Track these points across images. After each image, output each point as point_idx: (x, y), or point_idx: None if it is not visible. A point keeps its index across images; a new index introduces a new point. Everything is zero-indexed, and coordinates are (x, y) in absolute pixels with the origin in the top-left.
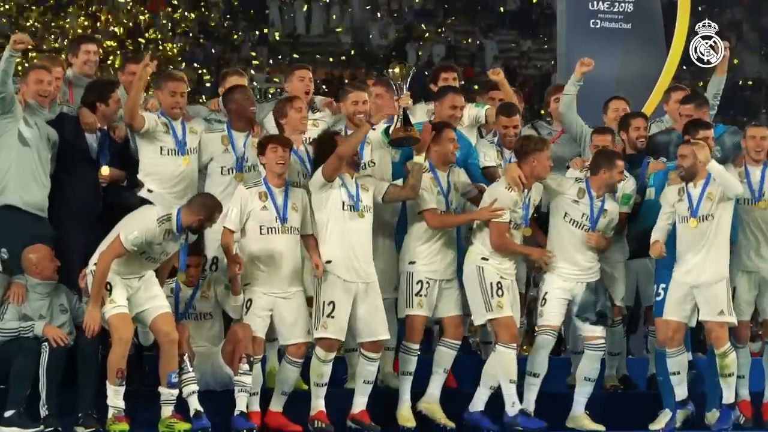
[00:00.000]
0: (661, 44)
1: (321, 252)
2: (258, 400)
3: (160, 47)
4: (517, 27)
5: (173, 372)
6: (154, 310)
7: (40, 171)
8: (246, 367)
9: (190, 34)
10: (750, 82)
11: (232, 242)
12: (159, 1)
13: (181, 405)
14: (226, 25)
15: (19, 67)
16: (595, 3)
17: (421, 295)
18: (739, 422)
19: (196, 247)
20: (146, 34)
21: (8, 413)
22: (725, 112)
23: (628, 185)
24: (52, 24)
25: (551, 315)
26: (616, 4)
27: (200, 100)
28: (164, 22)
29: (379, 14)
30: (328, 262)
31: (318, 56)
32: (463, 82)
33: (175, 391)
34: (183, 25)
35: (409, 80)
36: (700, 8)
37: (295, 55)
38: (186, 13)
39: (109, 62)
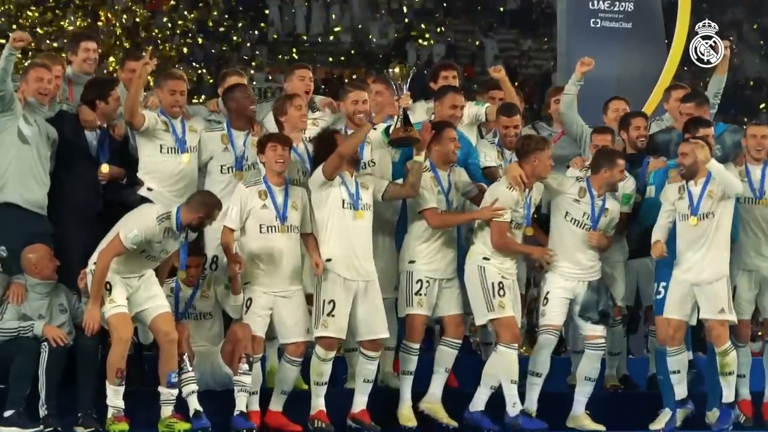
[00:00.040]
0: (662, 44)
1: (321, 251)
2: (257, 400)
3: (160, 47)
4: (517, 26)
5: (173, 372)
6: (153, 309)
7: (39, 169)
8: (245, 366)
9: (190, 34)
10: (751, 82)
11: (232, 241)
12: (159, 1)
13: (180, 405)
14: (225, 24)
15: (18, 67)
16: (595, 2)
17: (420, 294)
18: (739, 421)
19: (196, 247)
20: (143, 35)
21: (8, 413)
22: (726, 111)
23: (627, 185)
24: (52, 24)
25: (553, 314)
26: (617, 3)
27: (199, 100)
28: (164, 20)
29: (379, 14)
30: (328, 260)
31: (318, 56)
32: (462, 82)
33: (175, 391)
34: (182, 23)
35: (409, 80)
36: (703, 5)
37: (294, 55)
38: (186, 13)
39: (110, 61)
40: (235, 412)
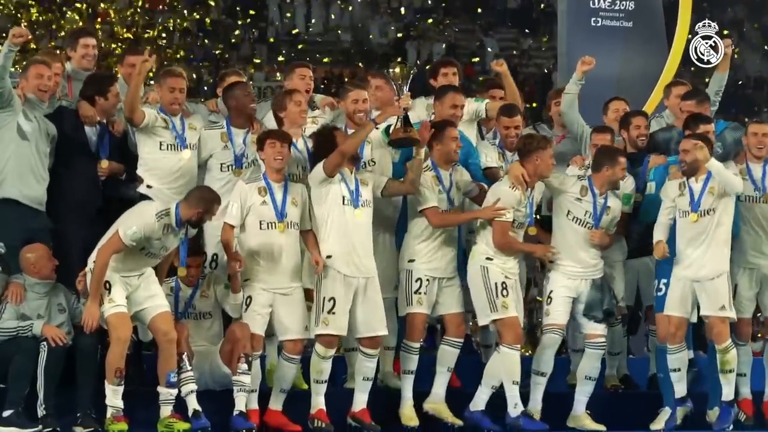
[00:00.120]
0: (663, 43)
1: (321, 248)
2: (256, 398)
3: (159, 45)
4: (517, 25)
5: (172, 371)
6: (153, 309)
7: (38, 164)
8: (245, 366)
9: (190, 33)
10: (753, 81)
11: (232, 238)
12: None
13: (180, 404)
14: (225, 23)
15: (17, 66)
16: (596, 1)
17: (420, 293)
18: (739, 420)
19: (195, 246)
20: (145, 35)
21: (6, 413)
22: (726, 110)
23: (627, 184)
24: (52, 24)
25: (557, 313)
26: (617, 2)
27: (200, 101)
28: (163, 19)
29: (379, 12)
30: (329, 257)
31: (318, 54)
32: (462, 81)
33: (174, 391)
34: (181, 22)
35: (409, 81)
36: (704, 4)
37: (293, 54)
38: (185, 12)
39: (109, 60)
40: (235, 412)
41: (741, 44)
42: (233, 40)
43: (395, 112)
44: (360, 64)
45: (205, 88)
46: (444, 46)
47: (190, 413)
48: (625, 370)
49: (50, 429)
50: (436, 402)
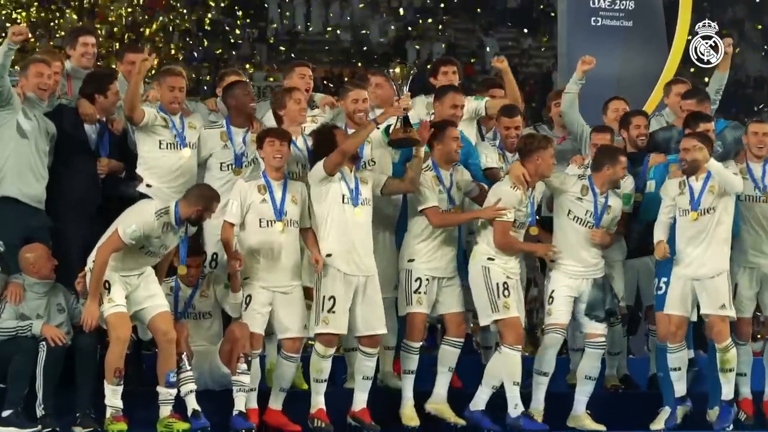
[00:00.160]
0: (663, 42)
1: (321, 246)
2: (255, 397)
3: (159, 45)
4: (517, 25)
5: (171, 371)
6: (152, 308)
7: (38, 163)
8: (244, 366)
9: (189, 32)
10: (753, 82)
11: (232, 236)
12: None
13: (179, 404)
14: (224, 22)
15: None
16: (596, 1)
17: (420, 293)
18: (739, 419)
19: (195, 246)
20: (145, 34)
21: (6, 413)
22: (727, 110)
23: (627, 184)
24: (51, 23)
25: (559, 313)
26: (617, 1)
27: (199, 100)
28: (163, 19)
29: (378, 12)
30: (328, 255)
31: (317, 54)
32: (462, 80)
33: (174, 391)
34: (180, 21)
35: (409, 81)
36: (704, 3)
37: (293, 54)
38: (185, 11)
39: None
40: (234, 412)
41: (741, 44)
42: (233, 40)
43: (395, 112)
44: (360, 63)
45: (205, 87)
46: (444, 45)
47: (189, 413)
48: (625, 370)
49: (49, 429)
50: (438, 402)
